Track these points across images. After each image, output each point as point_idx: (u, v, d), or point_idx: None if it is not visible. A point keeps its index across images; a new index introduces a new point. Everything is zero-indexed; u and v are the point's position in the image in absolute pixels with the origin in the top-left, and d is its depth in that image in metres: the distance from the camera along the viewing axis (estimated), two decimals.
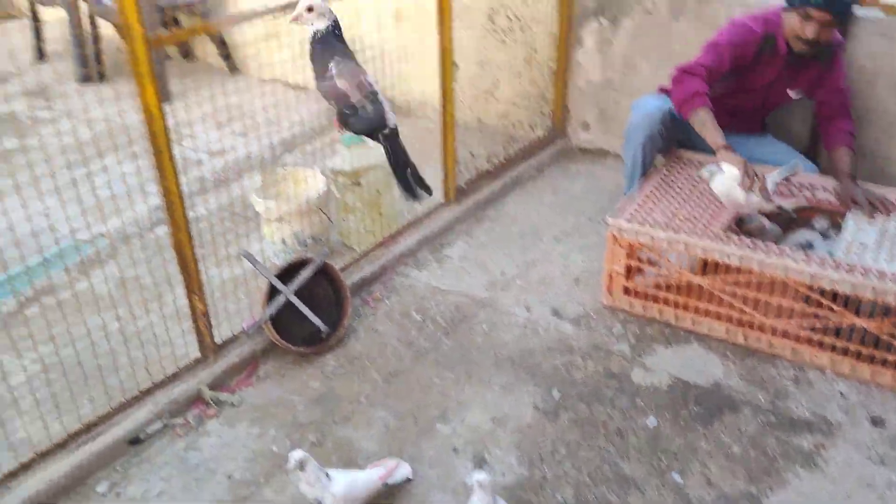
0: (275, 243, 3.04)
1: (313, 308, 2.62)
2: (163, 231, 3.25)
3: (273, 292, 2.57)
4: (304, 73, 2.93)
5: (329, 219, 3.13)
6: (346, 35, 2.51)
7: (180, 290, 2.43)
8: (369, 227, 3.15)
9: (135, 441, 2.25)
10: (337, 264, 2.84)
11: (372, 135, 2.52)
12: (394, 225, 3.23)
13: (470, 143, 3.66)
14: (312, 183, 3.12)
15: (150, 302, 2.75)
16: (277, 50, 2.62)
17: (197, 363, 2.47)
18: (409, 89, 4.16)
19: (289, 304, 2.58)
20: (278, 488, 2.13)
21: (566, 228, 3.37)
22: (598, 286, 2.90)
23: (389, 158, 2.56)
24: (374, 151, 3.11)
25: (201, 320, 2.41)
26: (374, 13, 3.88)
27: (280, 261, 3.05)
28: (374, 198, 3.13)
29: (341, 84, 2.26)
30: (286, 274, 2.62)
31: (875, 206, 2.70)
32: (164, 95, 2.18)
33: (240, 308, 2.73)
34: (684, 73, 2.80)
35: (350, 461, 2.21)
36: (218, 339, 2.51)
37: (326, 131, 4.17)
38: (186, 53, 5.24)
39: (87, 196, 2.93)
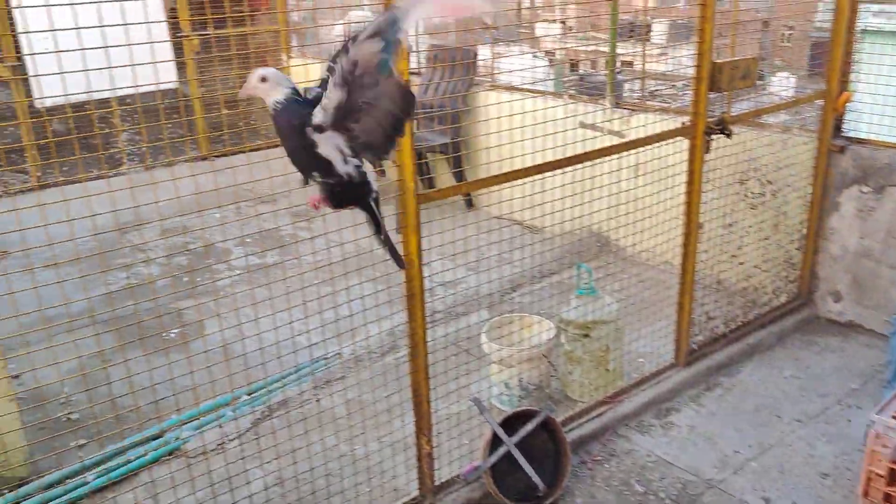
0: (498, 385, 3.07)
1: (532, 460, 2.57)
2: (392, 358, 3.42)
3: (495, 440, 2.57)
4: (537, 215, 3.01)
5: (553, 368, 3.11)
6: (585, 184, 2.54)
7: (409, 420, 2.50)
8: (594, 381, 3.08)
9: None
10: (558, 416, 2.79)
11: (360, 202, 2.06)
12: (618, 382, 3.13)
13: (706, 304, 3.50)
14: (540, 329, 3.14)
15: (377, 427, 2.86)
16: (515, 190, 2.70)
17: (412, 502, 2.49)
18: (642, 240, 4.11)
19: (508, 455, 2.56)
20: None
21: (810, 410, 3.06)
22: (852, 486, 2.57)
23: (376, 223, 2.09)
24: (607, 306, 3.08)
25: (425, 461, 2.45)
26: (614, 163, 3.94)
27: (501, 402, 3.06)
28: (602, 352, 3.07)
29: (324, 152, 1.89)
30: (510, 422, 2.61)
31: None
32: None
33: (460, 448, 2.74)
34: None
35: None
36: (437, 480, 2.53)
37: (555, 275, 4.22)
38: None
39: (333, 314, 3.17)
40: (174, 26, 6.18)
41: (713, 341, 3.39)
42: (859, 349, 3.49)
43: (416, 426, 2.43)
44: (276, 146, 2.01)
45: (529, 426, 2.58)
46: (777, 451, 2.82)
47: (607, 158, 2.85)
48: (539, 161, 2.59)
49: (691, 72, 2.93)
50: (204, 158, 6.12)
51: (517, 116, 2.83)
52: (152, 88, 2.33)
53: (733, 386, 3.25)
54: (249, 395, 3.08)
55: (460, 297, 3.96)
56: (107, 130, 5.59)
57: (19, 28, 4.93)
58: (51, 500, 2.59)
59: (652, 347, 3.44)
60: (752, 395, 3.18)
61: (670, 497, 2.61)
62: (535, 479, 2.53)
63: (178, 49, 6.26)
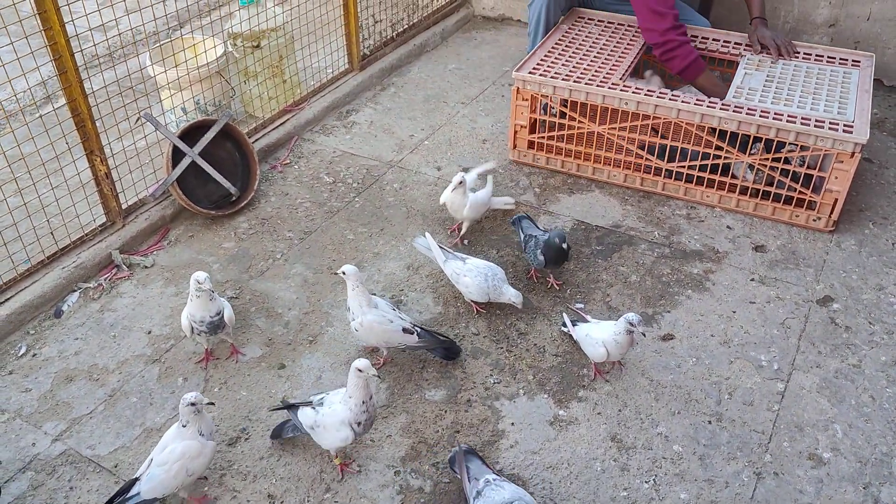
0: (175, 111, 2.95)
1: (222, 171, 2.59)
2: (51, 108, 3.09)
3: (178, 155, 2.52)
4: None
5: (230, 85, 3.05)
6: None
7: (83, 165, 2.35)
8: (272, 93, 3.09)
9: (58, 314, 2.22)
10: (243, 129, 2.78)
11: None
12: (297, 91, 3.18)
13: (373, 10, 3.58)
14: (208, 47, 3.01)
15: (51, 175, 2.63)
16: None
17: (104, 229, 2.42)
18: None
19: (195, 167, 2.54)
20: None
21: (471, 93, 3.40)
22: (504, 144, 2.98)
23: None
24: (274, 15, 3.01)
25: (105, 183, 2.35)
26: None
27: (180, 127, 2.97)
28: (276, 62, 3.06)
29: None
30: (190, 136, 2.56)
31: (781, 48, 2.84)
32: None
33: (145, 177, 2.65)
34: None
35: (270, 310, 2.27)
36: (125, 205, 2.46)
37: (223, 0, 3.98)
38: None
39: None
40: None
41: (383, 45, 3.52)
42: (510, 39, 3.88)
43: (85, 150, 2.29)
44: None
45: (210, 134, 2.55)
46: (445, 131, 3.14)
47: None
48: None
49: None
50: None
51: None
52: None
53: (405, 83, 3.47)
54: None
55: (122, 38, 3.60)
56: None
57: None
58: None
59: (328, 61, 3.49)
60: (421, 89, 3.44)
61: (356, 181, 2.83)
62: (225, 183, 2.56)
63: None
